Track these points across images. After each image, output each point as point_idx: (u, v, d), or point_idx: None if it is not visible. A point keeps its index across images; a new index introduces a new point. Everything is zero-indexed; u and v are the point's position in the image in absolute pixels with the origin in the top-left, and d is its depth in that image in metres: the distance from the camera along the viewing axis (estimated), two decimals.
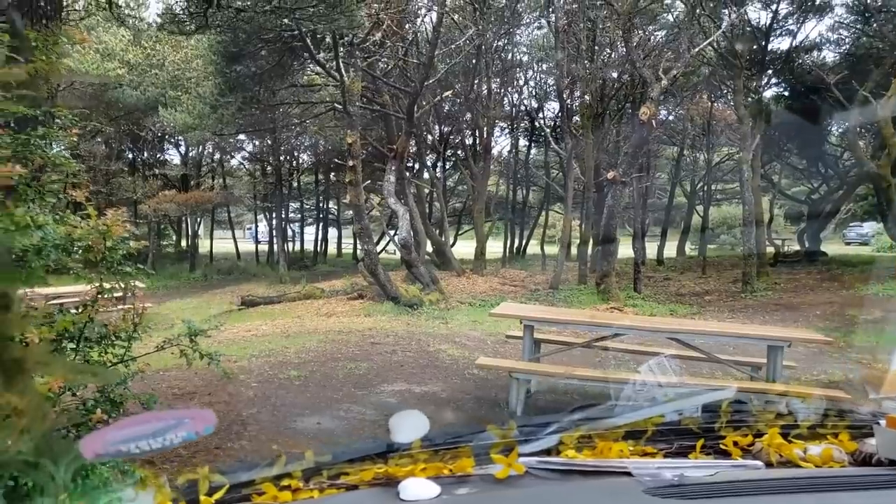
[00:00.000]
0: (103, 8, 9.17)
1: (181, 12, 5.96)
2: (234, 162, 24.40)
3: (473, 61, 15.32)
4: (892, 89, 11.45)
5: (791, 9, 13.89)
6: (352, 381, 5.43)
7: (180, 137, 19.31)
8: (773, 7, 13.62)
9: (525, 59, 19.62)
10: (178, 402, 4.89)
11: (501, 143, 23.05)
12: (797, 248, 20.70)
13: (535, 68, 19.29)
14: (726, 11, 11.56)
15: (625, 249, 20.44)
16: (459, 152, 20.77)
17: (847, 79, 13.39)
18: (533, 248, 23.95)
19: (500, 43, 16.75)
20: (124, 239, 2.07)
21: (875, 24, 12.31)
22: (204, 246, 24.66)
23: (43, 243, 1.69)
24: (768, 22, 13.88)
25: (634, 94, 13.93)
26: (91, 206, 2.02)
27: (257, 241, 25.88)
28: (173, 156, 22.94)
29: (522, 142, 22.97)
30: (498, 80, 17.52)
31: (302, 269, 19.85)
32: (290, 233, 24.65)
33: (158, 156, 22.48)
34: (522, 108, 21.08)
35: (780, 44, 14.65)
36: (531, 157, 23.14)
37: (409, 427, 1.04)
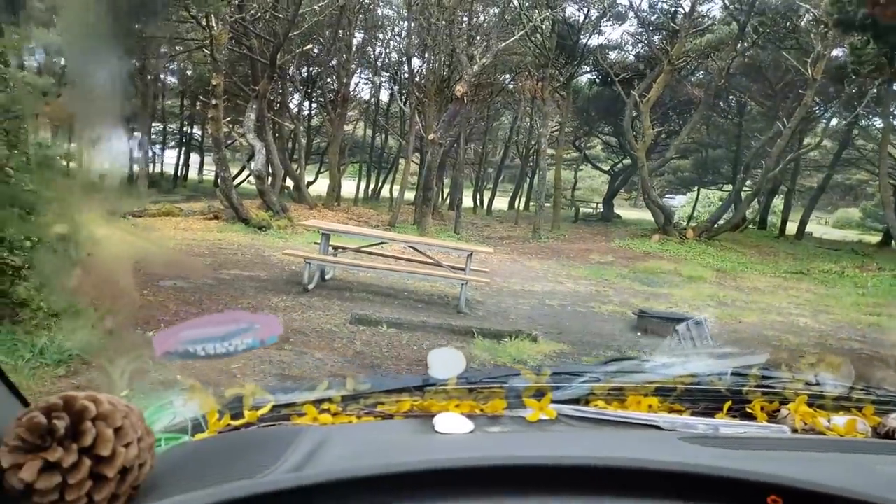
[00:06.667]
0: None
1: None
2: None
3: (338, 15, 17.02)
4: (653, 92, 15.06)
5: (597, 13, 17.21)
6: (200, 267, 7.58)
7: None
8: (585, 11, 16.79)
9: (391, 15, 21.53)
10: None
11: (365, 90, 24.89)
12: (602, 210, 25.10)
13: (398, 27, 21.27)
14: (538, 11, 14.39)
15: (467, 200, 23.55)
16: (323, 96, 22.42)
17: (635, 76, 17.04)
18: (390, 191, 26.42)
19: (364, 1, 18.52)
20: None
21: (653, 37, 15.82)
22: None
23: None
24: (580, 21, 17.05)
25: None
26: None
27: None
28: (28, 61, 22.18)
29: (384, 93, 25.01)
30: (360, 35, 19.34)
31: (162, 192, 20.72)
32: (150, 154, 24.97)
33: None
34: (387, 61, 23.07)
35: (587, 40, 17.90)
36: (391, 108, 25.22)
37: (447, 364, 1.06)
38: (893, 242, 16.21)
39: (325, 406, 1.05)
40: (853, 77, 13.08)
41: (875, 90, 14.53)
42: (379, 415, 1.05)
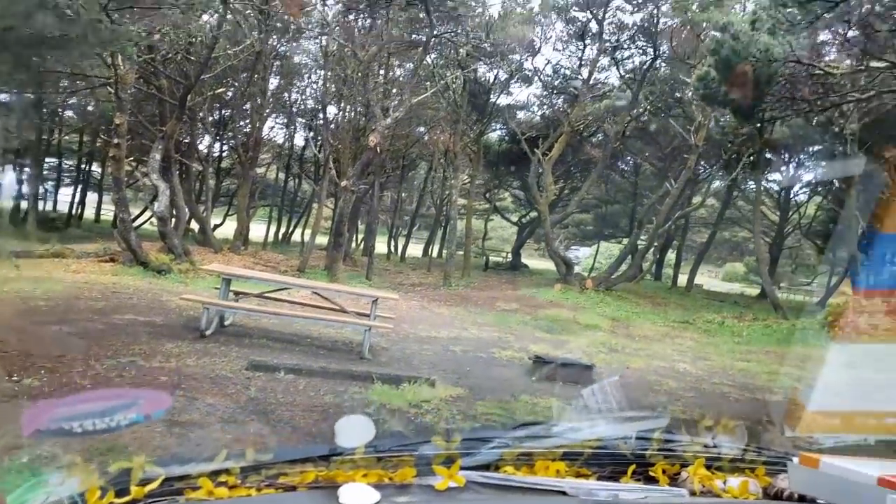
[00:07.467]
0: None
1: None
2: None
3: (253, 61, 17.06)
4: (555, 151, 16.08)
5: (506, 75, 18.36)
6: (90, 311, 7.23)
7: None
8: (495, 72, 17.85)
9: (308, 63, 21.79)
10: None
11: (279, 134, 24.80)
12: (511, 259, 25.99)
13: (314, 76, 21.55)
14: (450, 70, 15.17)
15: (382, 246, 23.69)
16: (235, 139, 22.13)
17: (540, 135, 18.13)
18: (301, 236, 26.09)
19: (281, 49, 18.70)
20: None
21: (556, 100, 17.01)
22: None
23: None
24: (490, 81, 18.07)
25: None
26: None
27: None
28: None
29: (299, 138, 25.04)
30: (276, 80, 19.43)
31: (53, 231, 19.45)
32: (41, 191, 23.43)
33: None
34: (302, 107, 23.20)
35: (496, 99, 18.98)
36: (305, 152, 25.25)
37: (354, 432, 1.04)
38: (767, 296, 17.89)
39: (223, 478, 0.99)
40: (729, 145, 14.60)
41: (749, 157, 16.28)
42: (280, 486, 1.00)
